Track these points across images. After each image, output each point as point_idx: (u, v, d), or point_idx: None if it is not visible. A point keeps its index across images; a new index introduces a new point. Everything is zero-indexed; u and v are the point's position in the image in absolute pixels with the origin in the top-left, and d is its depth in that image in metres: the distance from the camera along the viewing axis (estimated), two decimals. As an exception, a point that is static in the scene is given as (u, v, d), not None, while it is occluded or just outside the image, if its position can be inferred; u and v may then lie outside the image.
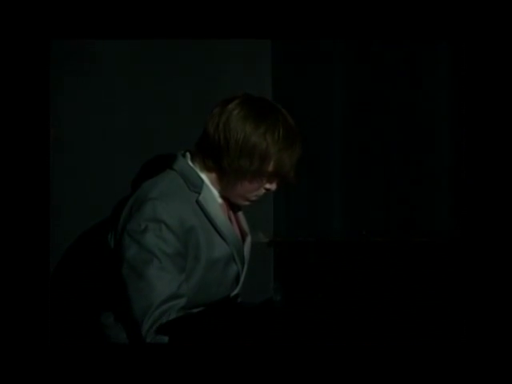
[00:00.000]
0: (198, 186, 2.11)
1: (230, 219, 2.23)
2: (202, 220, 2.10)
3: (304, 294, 2.29)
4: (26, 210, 1.92)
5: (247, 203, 2.19)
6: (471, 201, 2.00)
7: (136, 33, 2.22)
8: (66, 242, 2.73)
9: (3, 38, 1.94)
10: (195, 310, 2.09)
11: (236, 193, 2.14)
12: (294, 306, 2.10)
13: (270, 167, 2.09)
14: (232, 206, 2.26)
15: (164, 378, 1.85)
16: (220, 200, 2.17)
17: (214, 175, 2.13)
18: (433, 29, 2.27)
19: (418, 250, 3.33)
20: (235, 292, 2.21)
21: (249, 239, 2.30)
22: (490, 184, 2.00)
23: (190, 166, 2.13)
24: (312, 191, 3.66)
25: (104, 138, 2.83)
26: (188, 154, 2.16)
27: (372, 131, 3.61)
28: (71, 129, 2.77)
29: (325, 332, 1.95)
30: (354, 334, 1.96)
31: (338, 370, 1.86)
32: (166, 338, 1.98)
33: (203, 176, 2.14)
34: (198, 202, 2.10)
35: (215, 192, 2.15)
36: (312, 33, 2.33)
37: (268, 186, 2.15)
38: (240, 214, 2.31)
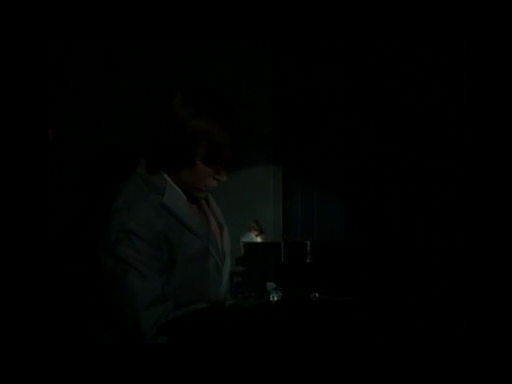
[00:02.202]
0: (160, 188, 2.10)
1: (204, 212, 2.22)
2: (170, 221, 2.08)
3: (302, 293, 2.29)
4: (25, 210, 1.92)
5: (203, 194, 2.16)
6: (472, 203, 2.00)
7: (136, 36, 2.22)
8: (65, 242, 2.74)
9: (2, 38, 1.94)
10: (191, 309, 2.09)
11: (188, 185, 2.12)
12: (292, 305, 2.10)
13: (198, 140, 2.03)
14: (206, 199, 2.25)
15: (164, 378, 1.86)
16: (185, 196, 2.15)
17: (170, 172, 2.12)
18: (432, 29, 2.28)
19: (418, 250, 3.34)
20: (223, 285, 2.21)
21: (226, 231, 2.29)
22: (492, 188, 2.00)
23: (152, 168, 2.11)
24: (312, 193, 3.67)
25: (102, 138, 2.84)
26: (153, 156, 2.13)
27: (371, 131, 3.63)
28: (71, 129, 2.78)
29: (323, 332, 1.95)
30: (353, 334, 1.97)
31: (336, 370, 1.86)
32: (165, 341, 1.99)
33: (166, 176, 2.12)
34: (162, 204, 2.08)
35: (180, 189, 2.13)
36: (311, 35, 2.34)
37: (215, 173, 2.11)
38: (214, 205, 2.30)
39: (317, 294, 2.21)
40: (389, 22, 2.26)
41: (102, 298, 2.06)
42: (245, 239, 6.93)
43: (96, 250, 2.03)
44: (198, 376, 1.84)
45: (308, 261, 5.77)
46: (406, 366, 1.88)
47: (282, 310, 2.08)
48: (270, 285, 6.08)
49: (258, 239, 7.41)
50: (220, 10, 2.26)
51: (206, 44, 2.90)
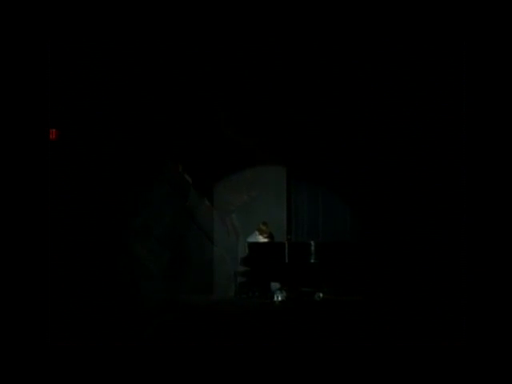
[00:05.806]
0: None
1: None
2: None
3: (306, 293, 2.29)
4: (25, 210, 1.92)
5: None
6: (472, 204, 1.99)
7: (138, 36, 2.21)
8: (64, 242, 2.73)
9: (3, 38, 1.94)
10: (195, 310, 2.09)
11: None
12: (296, 305, 2.09)
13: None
14: None
15: (164, 378, 1.85)
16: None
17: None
18: (432, 30, 2.26)
19: (417, 251, 3.33)
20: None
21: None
22: (492, 189, 1.99)
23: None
24: (318, 194, 3.67)
25: (103, 138, 2.83)
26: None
27: (377, 133, 3.62)
28: (71, 129, 2.77)
29: (327, 331, 1.94)
30: (357, 334, 1.96)
31: (340, 369, 1.86)
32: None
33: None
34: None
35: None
36: (313, 36, 2.33)
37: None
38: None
39: (321, 294, 2.20)
40: (388, 22, 2.25)
41: (109, 295, 2.05)
42: (250, 239, 6.84)
43: (112, 247, 2.02)
44: (199, 376, 1.83)
45: (312, 261, 5.73)
46: (409, 366, 1.88)
47: (286, 309, 2.08)
48: (274, 285, 6.03)
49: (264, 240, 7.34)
50: (220, 10, 2.25)
51: (207, 45, 2.88)
